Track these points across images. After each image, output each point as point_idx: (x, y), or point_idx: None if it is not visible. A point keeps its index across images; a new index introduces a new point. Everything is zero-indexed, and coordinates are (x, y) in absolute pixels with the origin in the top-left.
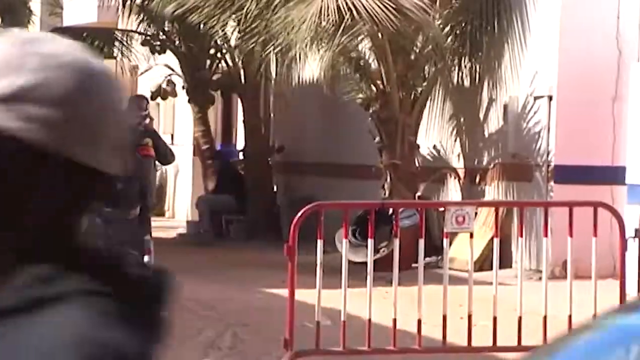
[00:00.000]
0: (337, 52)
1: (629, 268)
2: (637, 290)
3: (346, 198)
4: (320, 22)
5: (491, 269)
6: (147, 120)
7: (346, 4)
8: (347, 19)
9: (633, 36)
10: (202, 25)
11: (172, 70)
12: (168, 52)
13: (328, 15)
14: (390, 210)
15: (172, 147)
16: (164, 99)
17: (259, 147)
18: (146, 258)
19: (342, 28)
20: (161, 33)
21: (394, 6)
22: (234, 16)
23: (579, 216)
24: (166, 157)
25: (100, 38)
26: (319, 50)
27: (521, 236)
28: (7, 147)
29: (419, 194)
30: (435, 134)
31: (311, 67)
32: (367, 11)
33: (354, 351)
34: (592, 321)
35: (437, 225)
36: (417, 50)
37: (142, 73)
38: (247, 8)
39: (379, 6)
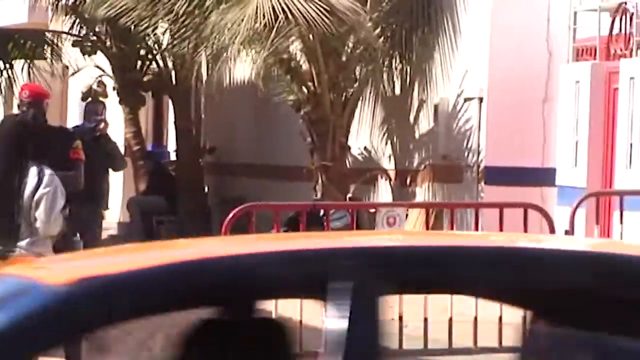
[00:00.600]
0: (269, 54)
1: None
2: None
3: (277, 199)
4: (255, 24)
5: None
6: (102, 125)
7: (280, 5)
8: (280, 20)
9: (563, 38)
10: (133, 27)
11: (103, 71)
12: (99, 53)
13: (263, 16)
14: (322, 212)
15: None
16: (94, 100)
17: (190, 148)
18: None
19: (274, 30)
20: (92, 34)
21: (326, 7)
22: (165, 18)
23: (510, 217)
24: (117, 162)
25: (30, 39)
26: (251, 51)
27: None
28: None
29: (350, 195)
30: (366, 135)
31: (242, 69)
32: (301, 12)
33: None
34: None
35: (368, 226)
36: (349, 52)
37: (72, 74)
38: (178, 10)
39: (312, 8)
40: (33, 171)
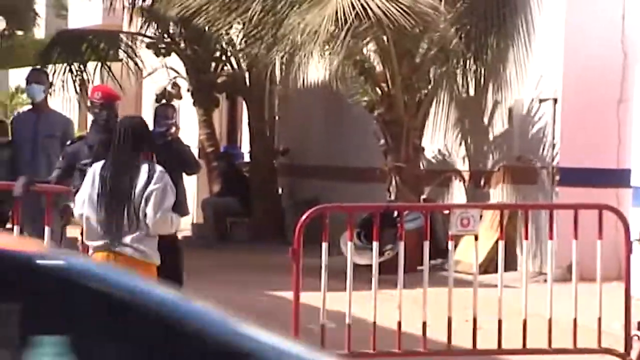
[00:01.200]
0: (345, 55)
1: (634, 271)
2: None
3: (351, 201)
4: (336, 24)
5: (496, 271)
6: (173, 129)
7: (360, 4)
8: (362, 19)
9: (638, 38)
10: (207, 28)
11: (177, 72)
12: (173, 54)
13: (344, 16)
14: (395, 213)
15: None
16: (168, 101)
17: (264, 150)
18: None
19: (352, 29)
20: (166, 36)
21: (407, 5)
22: (239, 19)
23: (584, 219)
24: (190, 166)
25: (105, 41)
26: (326, 52)
27: (526, 239)
28: None
29: (424, 196)
30: (440, 136)
31: (316, 70)
32: (382, 11)
33: (359, 354)
34: None
35: (442, 227)
36: (423, 53)
37: (146, 76)
38: (252, 11)
39: (393, 6)
40: (144, 168)
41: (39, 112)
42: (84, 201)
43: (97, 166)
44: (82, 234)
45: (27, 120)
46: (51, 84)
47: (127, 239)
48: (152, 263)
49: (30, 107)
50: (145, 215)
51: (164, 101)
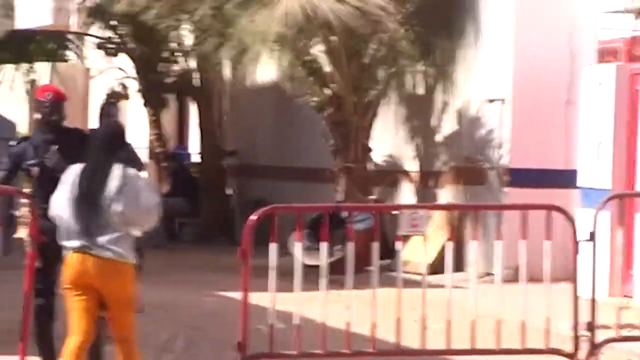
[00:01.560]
0: (294, 55)
1: (582, 271)
2: (590, 293)
3: (300, 201)
4: (285, 25)
5: (445, 272)
6: None
7: (310, 6)
8: (312, 20)
9: (586, 40)
10: (155, 28)
11: (126, 73)
12: (122, 55)
13: (294, 18)
14: (345, 213)
15: None
16: (117, 102)
17: (213, 150)
18: None
19: (299, 31)
20: (115, 36)
21: (357, 6)
22: (187, 18)
23: (532, 219)
24: (134, 163)
25: (54, 41)
26: (275, 53)
27: (475, 239)
28: None
29: (373, 197)
30: (389, 137)
31: (266, 71)
32: (332, 12)
33: (307, 354)
34: None
35: (391, 228)
36: (372, 53)
37: (95, 76)
38: (202, 10)
39: (342, 7)
40: (117, 172)
41: None
42: (60, 202)
43: (76, 168)
44: (29, 235)
45: None
46: None
47: (103, 240)
48: (128, 262)
49: None
50: (119, 215)
51: (104, 101)
